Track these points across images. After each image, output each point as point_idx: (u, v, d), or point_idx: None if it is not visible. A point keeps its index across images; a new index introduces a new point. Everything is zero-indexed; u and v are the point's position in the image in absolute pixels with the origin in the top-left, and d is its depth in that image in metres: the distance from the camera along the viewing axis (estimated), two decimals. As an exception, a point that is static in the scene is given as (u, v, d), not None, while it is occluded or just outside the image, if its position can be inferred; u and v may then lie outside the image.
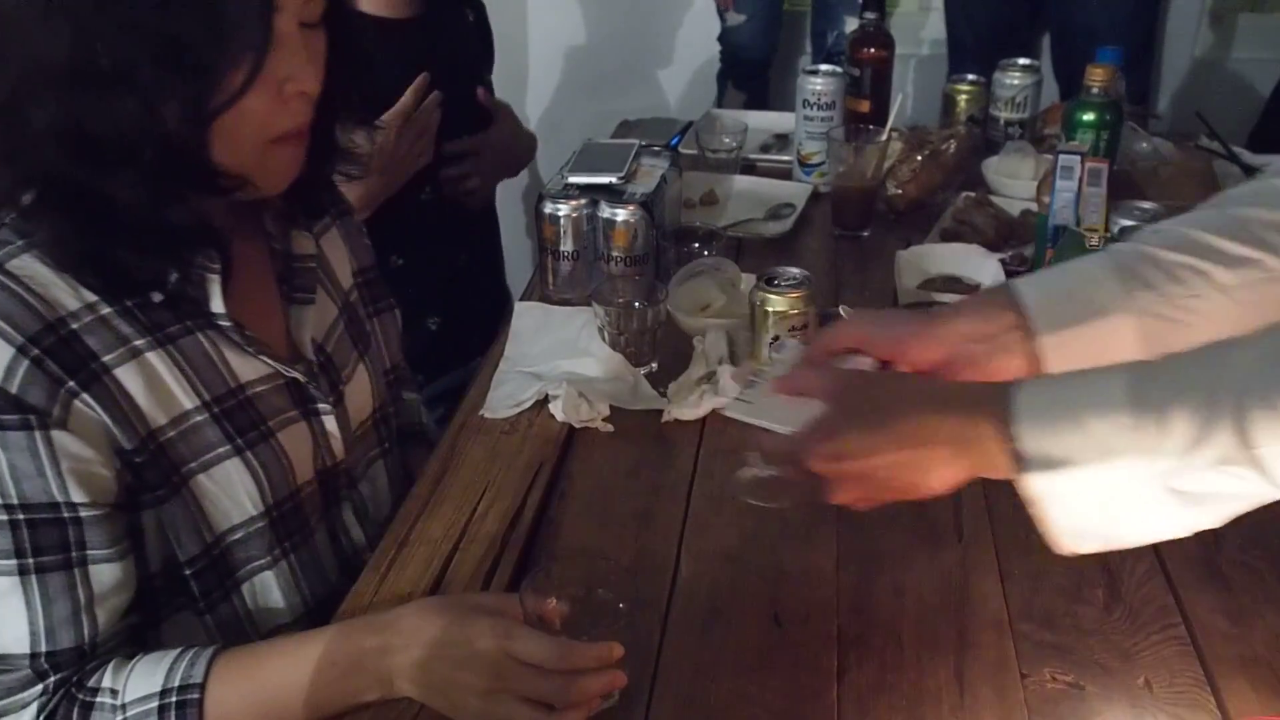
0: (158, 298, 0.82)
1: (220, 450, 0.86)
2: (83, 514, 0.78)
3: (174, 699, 0.78)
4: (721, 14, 2.36)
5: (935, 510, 1.00)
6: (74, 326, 0.78)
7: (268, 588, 0.91)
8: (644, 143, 1.49)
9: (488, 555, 0.96)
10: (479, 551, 0.96)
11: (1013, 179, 1.59)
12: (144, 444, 0.81)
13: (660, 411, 1.14)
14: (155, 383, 0.82)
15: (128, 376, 0.80)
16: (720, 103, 2.38)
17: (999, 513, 0.99)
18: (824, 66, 1.66)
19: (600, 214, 1.33)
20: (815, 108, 1.63)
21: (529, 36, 2.66)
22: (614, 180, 1.36)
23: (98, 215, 0.77)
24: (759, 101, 2.34)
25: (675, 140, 1.87)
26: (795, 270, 1.15)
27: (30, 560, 0.76)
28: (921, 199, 1.61)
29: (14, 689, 0.77)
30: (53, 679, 0.78)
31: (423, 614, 0.80)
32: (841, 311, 1.16)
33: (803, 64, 2.50)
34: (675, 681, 0.82)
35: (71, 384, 0.77)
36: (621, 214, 1.32)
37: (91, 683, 0.79)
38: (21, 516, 0.75)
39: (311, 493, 0.95)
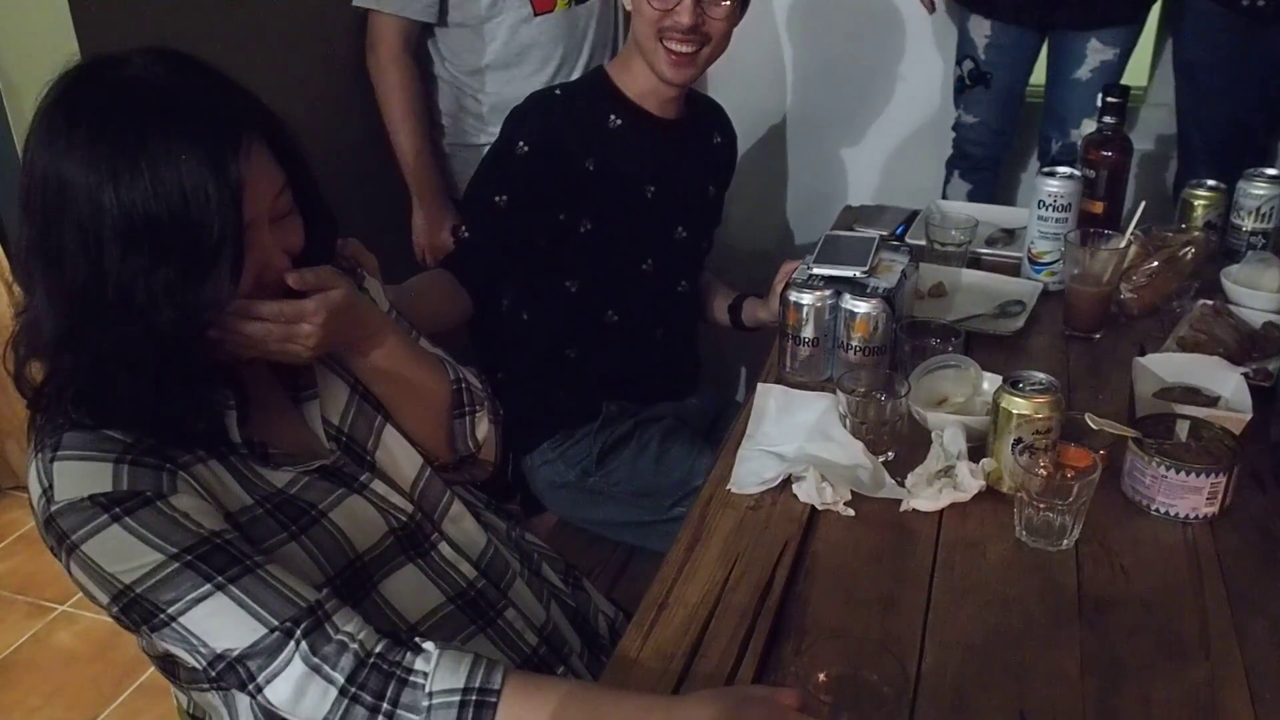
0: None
1: (280, 536, 0.98)
2: (229, 537, 0.91)
3: (474, 698, 0.89)
4: (957, 108, 2.40)
5: (1179, 624, 1.02)
6: (147, 443, 0.92)
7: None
8: (883, 234, 1.57)
9: (741, 624, 1.04)
10: (733, 621, 1.04)
11: (1254, 289, 1.58)
12: (230, 523, 0.94)
13: (899, 500, 1.20)
14: (218, 482, 0.96)
15: (198, 475, 0.94)
16: (945, 191, 2.42)
17: (1248, 633, 1.00)
18: (1061, 169, 1.68)
19: (843, 305, 1.41)
20: (1051, 208, 1.66)
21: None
22: (858, 274, 1.43)
23: (118, 406, 0.91)
24: (984, 193, 2.37)
25: (901, 230, 1.95)
26: (1041, 375, 1.19)
27: (219, 578, 0.89)
28: (1156, 304, 1.62)
29: (273, 654, 0.89)
30: (298, 630, 0.89)
31: (702, 701, 0.88)
32: (1089, 420, 1.19)
33: (1032, 162, 2.52)
34: (926, 764, 0.87)
35: (169, 466, 0.92)
36: (864, 307, 1.39)
37: (405, 662, 0.91)
38: (189, 557, 0.89)
39: (386, 550, 1.05)
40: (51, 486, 0.89)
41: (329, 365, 1.10)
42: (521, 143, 1.64)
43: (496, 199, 1.65)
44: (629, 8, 1.65)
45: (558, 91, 1.73)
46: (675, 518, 1.63)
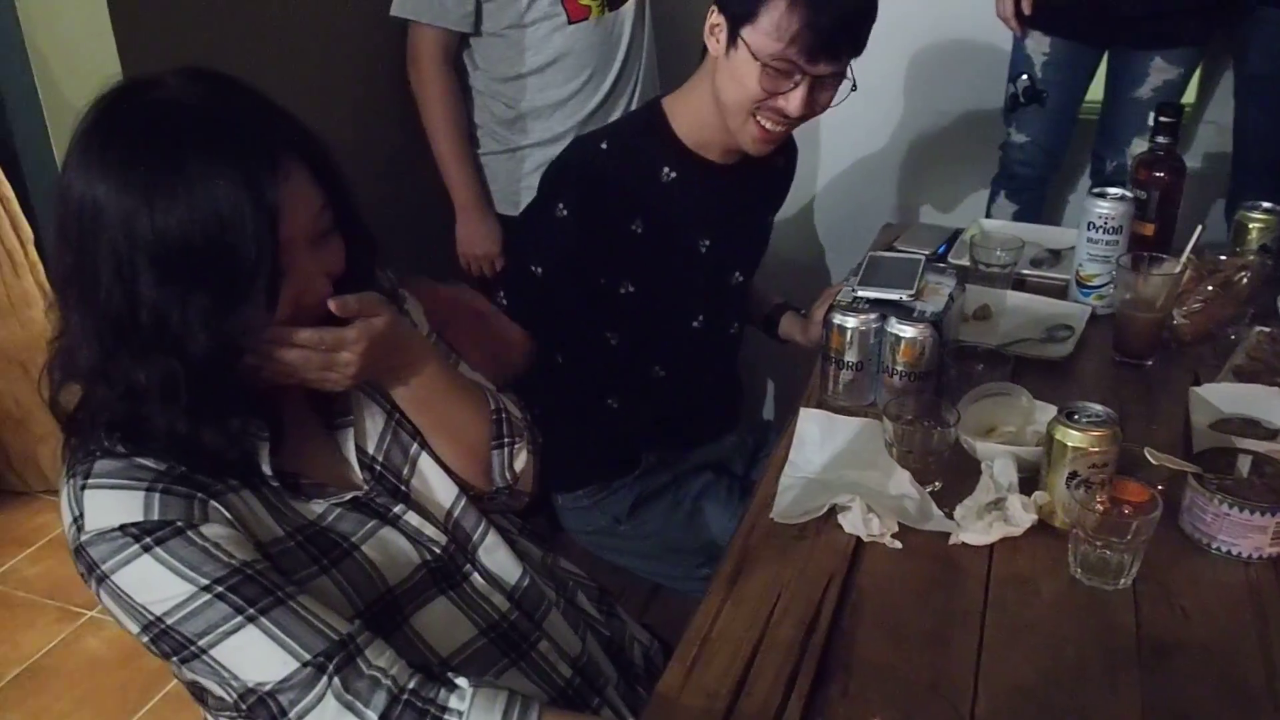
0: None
1: (311, 570, 0.96)
2: (260, 568, 0.89)
3: None
4: (1008, 126, 2.35)
5: (1244, 671, 0.98)
6: (178, 471, 0.90)
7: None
8: (928, 254, 1.53)
9: (786, 662, 1.01)
10: (778, 658, 1.01)
11: (1313, 317, 1.53)
12: (261, 553, 0.92)
13: (947, 533, 1.16)
14: (250, 512, 0.94)
15: (230, 503, 0.92)
16: (989, 210, 2.37)
17: (1319, 684, 0.96)
18: (1111, 190, 1.64)
19: (889, 329, 1.37)
20: (1101, 230, 1.62)
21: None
22: (904, 297, 1.40)
23: (151, 436, 0.89)
24: (1031, 215, 2.31)
25: (942, 249, 1.91)
26: (1098, 407, 1.15)
27: (250, 609, 0.87)
28: (1209, 330, 1.57)
29: (305, 689, 0.87)
30: (330, 665, 0.88)
31: None
32: (1148, 455, 1.15)
33: (1080, 182, 2.47)
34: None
35: (200, 495, 0.90)
36: (910, 331, 1.36)
37: (440, 699, 0.89)
38: (220, 589, 0.87)
39: (417, 583, 1.03)
40: (82, 515, 0.88)
41: (365, 391, 1.07)
42: (561, 205, 1.51)
43: (533, 269, 1.56)
44: (713, 51, 1.45)
45: (604, 145, 1.54)
46: (701, 578, 1.51)
